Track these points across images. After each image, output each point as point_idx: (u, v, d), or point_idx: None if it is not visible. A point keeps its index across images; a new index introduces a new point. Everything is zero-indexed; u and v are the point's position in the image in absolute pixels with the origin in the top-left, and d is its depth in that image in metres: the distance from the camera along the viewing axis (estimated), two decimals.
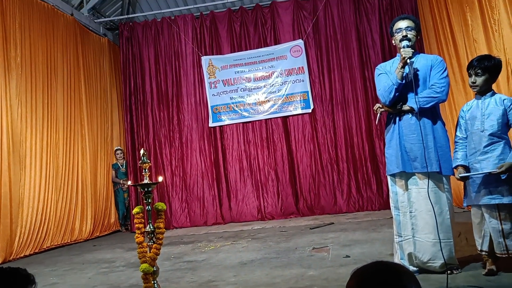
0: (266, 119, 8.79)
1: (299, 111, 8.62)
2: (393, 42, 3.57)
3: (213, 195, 8.77)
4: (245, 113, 8.88)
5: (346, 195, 8.20)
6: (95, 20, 9.40)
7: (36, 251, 6.71)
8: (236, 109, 8.91)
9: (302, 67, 8.68)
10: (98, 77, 9.12)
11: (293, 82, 8.73)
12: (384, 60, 8.05)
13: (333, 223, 6.99)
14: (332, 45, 8.60)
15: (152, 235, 3.21)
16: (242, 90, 8.98)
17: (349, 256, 4.33)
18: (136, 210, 3.24)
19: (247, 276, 3.99)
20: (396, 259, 3.38)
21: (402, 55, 3.28)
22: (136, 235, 3.20)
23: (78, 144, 8.10)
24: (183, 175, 8.95)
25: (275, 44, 8.91)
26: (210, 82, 9.06)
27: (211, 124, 8.96)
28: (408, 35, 3.36)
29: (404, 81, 3.31)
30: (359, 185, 8.20)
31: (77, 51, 8.37)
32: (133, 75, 9.34)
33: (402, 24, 3.44)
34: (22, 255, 6.39)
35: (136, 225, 3.22)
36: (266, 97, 8.83)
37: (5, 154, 6.23)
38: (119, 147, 9.39)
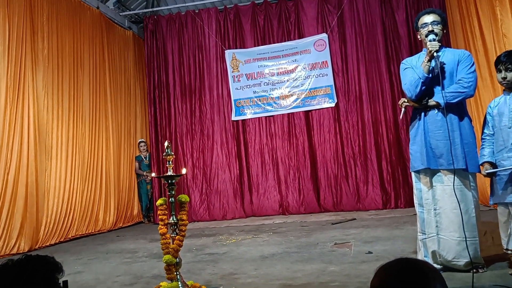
0: (288, 113, 8.75)
1: (323, 105, 8.55)
2: (418, 37, 3.50)
3: (233, 188, 8.79)
4: (268, 107, 8.87)
5: (369, 191, 8.05)
6: (120, 13, 9.50)
7: (61, 240, 6.86)
8: (259, 103, 8.91)
9: (326, 61, 8.61)
10: (123, 70, 9.24)
11: (317, 76, 8.66)
12: (411, 54, 7.89)
13: (355, 219, 6.94)
14: (357, 39, 8.47)
15: (175, 227, 3.25)
16: (265, 84, 8.96)
17: (371, 253, 4.29)
18: (159, 201, 3.28)
19: (268, 269, 4.00)
20: (420, 257, 3.33)
21: (428, 49, 3.22)
22: (160, 226, 3.25)
23: (102, 136, 8.23)
24: (204, 168, 8.99)
25: (299, 38, 8.84)
26: (234, 75, 9.07)
27: (233, 118, 8.97)
28: (435, 30, 3.30)
29: (430, 75, 3.25)
30: (383, 182, 8.04)
31: (102, 44, 8.49)
32: (157, 68, 9.41)
33: (428, 18, 3.37)
34: (47, 243, 6.55)
35: (160, 217, 3.26)
36: (290, 91, 8.78)
37: (31, 144, 6.39)
38: (142, 139, 9.50)
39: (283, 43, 8.91)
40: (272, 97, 8.87)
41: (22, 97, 6.32)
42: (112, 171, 8.41)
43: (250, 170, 8.85)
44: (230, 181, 8.82)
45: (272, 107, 8.85)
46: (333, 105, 8.48)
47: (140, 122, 9.72)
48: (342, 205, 8.19)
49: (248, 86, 9.01)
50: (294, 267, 4.01)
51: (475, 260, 3.13)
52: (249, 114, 8.95)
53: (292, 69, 8.85)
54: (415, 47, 8.00)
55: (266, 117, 8.88)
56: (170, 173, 3.28)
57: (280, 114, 8.80)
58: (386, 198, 7.97)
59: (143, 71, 9.84)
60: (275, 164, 8.73)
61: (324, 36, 8.65)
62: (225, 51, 9.11)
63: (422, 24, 3.38)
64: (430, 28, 3.30)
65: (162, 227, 3.24)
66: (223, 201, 8.79)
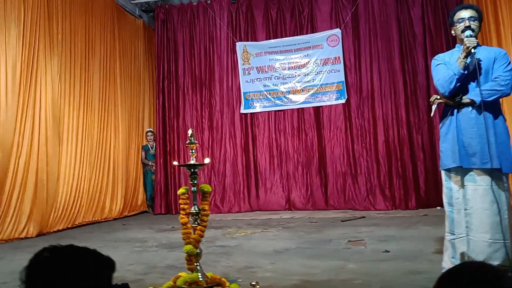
0: (298, 108, 8.67)
1: (333, 101, 8.46)
2: (452, 32, 3.41)
3: (240, 182, 8.72)
4: (277, 101, 8.78)
5: (378, 191, 7.93)
6: (132, 1, 9.39)
7: (69, 226, 6.82)
8: (269, 96, 8.82)
9: (338, 57, 8.51)
10: (133, 59, 9.15)
11: (328, 72, 8.57)
12: (425, 53, 7.87)
13: (364, 217, 6.88)
14: (371, 36, 8.35)
15: (197, 217, 3.17)
16: (276, 78, 8.87)
17: (388, 251, 4.22)
18: (181, 190, 3.20)
19: (283, 264, 3.94)
20: (446, 257, 3.25)
21: (466, 45, 3.12)
22: (181, 215, 3.17)
23: (111, 124, 8.16)
24: (212, 160, 8.90)
25: (312, 32, 8.75)
26: (244, 68, 8.97)
27: (242, 111, 8.89)
28: (472, 25, 3.21)
29: (466, 72, 3.16)
30: (392, 181, 7.89)
31: (113, 32, 8.41)
32: (167, 58, 9.33)
33: (465, 13, 3.27)
34: (55, 229, 6.50)
35: (181, 206, 3.19)
36: (300, 86, 8.69)
37: (42, 130, 6.31)
38: (150, 129, 9.43)
39: (295, 37, 8.81)
40: (282, 92, 8.79)
41: (35, 81, 6.23)
42: (120, 159, 8.35)
43: (257, 164, 8.78)
44: (237, 175, 8.75)
45: (282, 101, 8.77)
46: (344, 101, 8.39)
47: (148, 111, 9.64)
48: (350, 203, 8.11)
49: (259, 79, 8.92)
50: (310, 263, 3.95)
51: (506, 263, 3.05)
52: (258, 107, 8.87)
53: (304, 63, 8.75)
54: (431, 45, 7.92)
55: (275, 111, 8.80)
56: (193, 161, 3.20)
57: (289, 109, 8.71)
58: (395, 198, 7.82)
59: (153, 61, 9.73)
60: (283, 159, 8.66)
61: (337, 31, 8.55)
62: (236, 43, 9.02)
63: (458, 19, 3.28)
64: (467, 23, 3.20)
65: (184, 216, 3.16)
66: (229, 194, 8.72)
